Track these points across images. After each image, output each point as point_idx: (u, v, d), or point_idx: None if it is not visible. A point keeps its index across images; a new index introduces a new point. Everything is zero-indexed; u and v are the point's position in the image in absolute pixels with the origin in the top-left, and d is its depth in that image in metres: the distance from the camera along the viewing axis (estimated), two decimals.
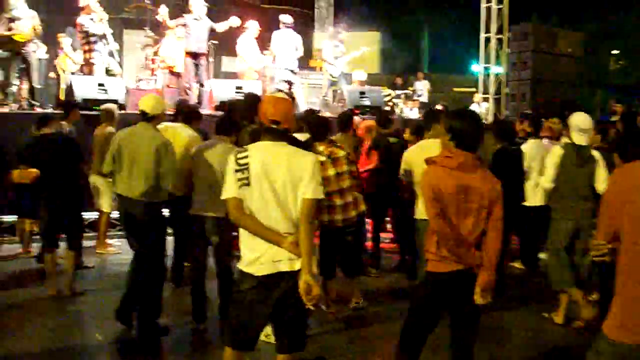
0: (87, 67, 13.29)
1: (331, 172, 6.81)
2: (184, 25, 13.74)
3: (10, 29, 12.04)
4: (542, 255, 9.51)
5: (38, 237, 10.00)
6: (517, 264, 9.32)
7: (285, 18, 14.84)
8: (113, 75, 13.13)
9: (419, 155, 5.38)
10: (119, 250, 9.77)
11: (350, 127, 8.85)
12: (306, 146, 5.89)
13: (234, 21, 13.93)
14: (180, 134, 7.41)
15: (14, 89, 12.72)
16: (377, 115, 10.50)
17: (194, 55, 13.76)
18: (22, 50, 12.26)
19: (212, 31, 13.94)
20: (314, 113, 8.62)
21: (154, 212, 6.54)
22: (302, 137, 7.12)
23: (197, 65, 13.81)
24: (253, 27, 14.86)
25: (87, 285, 8.15)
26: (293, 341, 4.28)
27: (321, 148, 6.82)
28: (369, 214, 8.61)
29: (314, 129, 7.02)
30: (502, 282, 7.67)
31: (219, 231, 6.39)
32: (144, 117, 6.45)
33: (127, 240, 6.78)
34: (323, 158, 6.77)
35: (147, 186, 6.35)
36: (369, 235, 9.33)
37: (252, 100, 7.60)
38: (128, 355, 6.30)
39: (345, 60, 15.50)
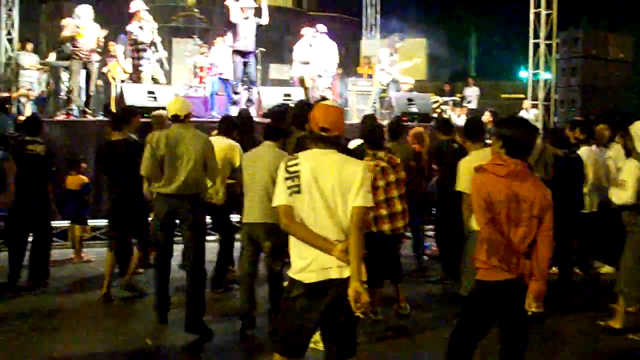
0: (135, 75, 13.49)
1: (392, 178, 6.87)
2: (236, 24, 13.79)
3: (74, 34, 12.40)
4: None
5: (89, 241, 10.27)
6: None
7: (321, 27, 15.01)
8: (157, 83, 13.28)
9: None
10: None
11: (401, 135, 8.88)
12: (356, 154, 5.95)
13: (263, 4, 13.98)
14: (216, 144, 7.60)
15: (74, 96, 13.00)
16: (437, 121, 10.59)
17: (243, 54, 13.80)
18: (87, 60, 12.53)
19: (259, 27, 13.97)
20: (370, 120, 8.68)
21: (199, 205, 6.82)
22: (352, 145, 7.18)
23: (245, 64, 13.80)
24: (309, 33, 14.97)
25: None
26: (342, 348, 4.27)
27: (381, 154, 6.89)
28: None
29: (370, 136, 7.08)
30: (566, 289, 7.67)
31: (271, 237, 6.40)
32: (177, 119, 6.70)
33: (156, 239, 6.89)
34: (384, 164, 6.84)
35: (194, 180, 6.63)
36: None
37: (302, 107, 7.63)
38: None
39: (396, 69, 15.49)
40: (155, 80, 13.27)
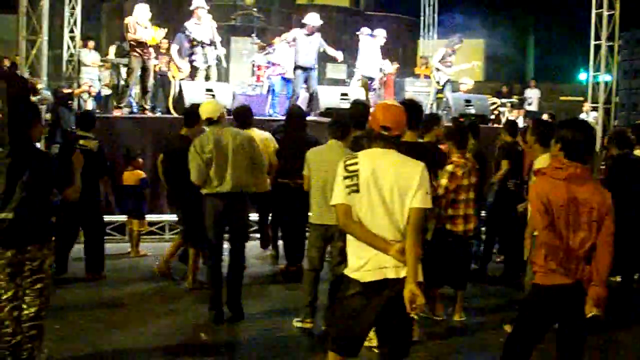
0: (190, 72, 13.67)
1: (473, 180, 6.93)
2: (293, 40, 13.95)
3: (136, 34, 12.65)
4: None
5: (145, 236, 10.42)
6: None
7: (364, 29, 15.05)
8: (208, 80, 13.42)
9: None
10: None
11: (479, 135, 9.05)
12: (425, 147, 6.00)
13: (339, 55, 14.18)
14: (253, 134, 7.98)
15: (132, 93, 13.22)
16: (505, 123, 10.66)
17: (304, 69, 13.93)
18: (146, 57, 12.78)
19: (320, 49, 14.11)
20: (456, 121, 8.74)
21: (246, 202, 7.08)
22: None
23: (307, 78, 13.89)
24: (380, 35, 14.98)
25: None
26: (397, 348, 4.27)
27: (468, 155, 6.96)
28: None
29: (457, 137, 7.09)
30: (627, 296, 7.57)
31: (343, 238, 6.30)
32: (211, 121, 6.87)
33: (208, 238, 7.03)
34: (470, 164, 6.98)
35: (242, 177, 6.79)
36: None
37: (360, 107, 7.64)
38: (231, 355, 6.38)
39: (453, 70, 15.39)
40: (207, 78, 13.39)
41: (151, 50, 12.93)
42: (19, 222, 5.09)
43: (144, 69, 12.92)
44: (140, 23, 12.63)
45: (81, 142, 8.40)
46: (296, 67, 13.92)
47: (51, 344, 5.88)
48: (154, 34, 12.88)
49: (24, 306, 5.31)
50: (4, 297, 5.32)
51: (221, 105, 7.27)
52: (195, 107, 8.20)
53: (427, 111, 14.81)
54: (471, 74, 17.83)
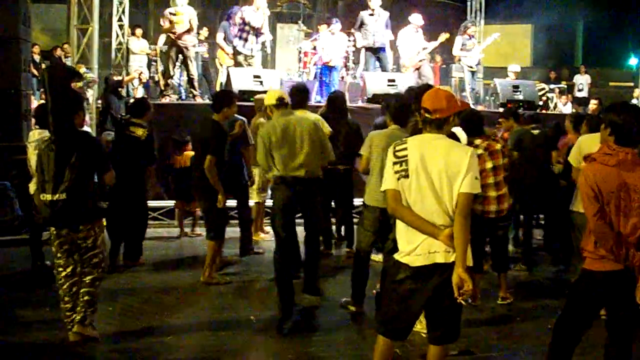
0: (234, 57, 13.75)
1: (489, 165, 6.81)
2: (361, 24, 13.90)
3: (171, 23, 12.68)
4: None
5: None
6: None
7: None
8: (249, 65, 13.45)
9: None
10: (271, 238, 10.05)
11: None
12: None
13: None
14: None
15: (174, 80, 13.35)
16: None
17: (374, 50, 13.90)
18: (180, 43, 12.83)
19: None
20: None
21: (318, 187, 6.82)
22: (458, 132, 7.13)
23: (378, 58, 13.90)
24: (416, 20, 14.87)
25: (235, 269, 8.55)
26: (445, 333, 4.31)
27: (478, 141, 6.81)
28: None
29: (466, 124, 7.03)
30: None
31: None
32: (282, 103, 6.80)
33: (280, 224, 6.82)
34: (480, 151, 6.75)
35: (309, 162, 6.61)
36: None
37: (414, 93, 7.62)
38: (278, 336, 6.35)
39: (479, 50, 15.21)
40: (249, 63, 13.43)
41: (190, 37, 12.99)
42: (70, 202, 5.42)
43: (185, 56, 12.99)
44: (177, 11, 12.66)
45: (131, 128, 8.42)
46: (365, 50, 13.93)
47: (103, 325, 6.04)
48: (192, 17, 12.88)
49: (82, 276, 5.69)
50: (63, 274, 5.70)
51: (281, 91, 7.09)
52: (220, 93, 8.25)
53: (468, 97, 14.69)
54: (518, 60, 17.61)
